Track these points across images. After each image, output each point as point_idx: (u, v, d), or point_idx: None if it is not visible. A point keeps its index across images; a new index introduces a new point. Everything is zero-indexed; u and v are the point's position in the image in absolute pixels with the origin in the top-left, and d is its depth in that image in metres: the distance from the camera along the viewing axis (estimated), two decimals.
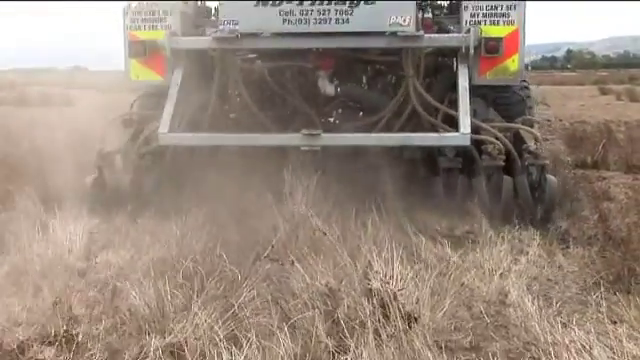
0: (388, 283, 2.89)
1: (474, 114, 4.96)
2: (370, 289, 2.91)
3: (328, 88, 5.40)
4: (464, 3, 5.04)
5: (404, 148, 5.07)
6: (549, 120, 13.03)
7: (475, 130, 4.83)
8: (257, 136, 5.06)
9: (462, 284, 3.37)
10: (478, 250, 3.87)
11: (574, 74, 57.95)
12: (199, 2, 5.74)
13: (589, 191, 5.42)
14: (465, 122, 4.71)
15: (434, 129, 5.02)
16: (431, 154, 5.07)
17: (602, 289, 3.17)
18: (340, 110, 5.59)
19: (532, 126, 5.31)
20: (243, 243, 3.94)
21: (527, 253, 3.90)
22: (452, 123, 4.89)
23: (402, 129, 5.09)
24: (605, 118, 12.16)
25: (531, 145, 4.86)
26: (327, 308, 2.87)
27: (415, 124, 5.10)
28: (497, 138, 4.85)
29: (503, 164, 4.81)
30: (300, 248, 3.76)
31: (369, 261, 3.24)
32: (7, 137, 6.96)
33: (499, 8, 4.98)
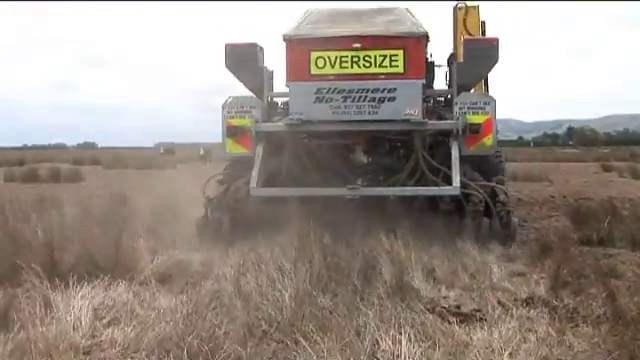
0: None
1: (464, 175, 6.98)
2: None
3: (362, 158, 7.70)
4: (455, 100, 7.22)
5: (414, 199, 7.18)
6: (553, 197, 13.05)
7: (464, 186, 6.87)
8: (316, 189, 7.02)
9: None
10: (486, 328, 3.82)
11: (576, 151, 58.59)
12: (270, 99, 7.85)
13: (596, 268, 5.37)
14: (456, 179, 6.80)
15: (435, 185, 7.04)
16: (434, 202, 7.08)
17: None
18: (370, 173, 7.71)
19: (503, 182, 7.37)
20: (249, 320, 3.91)
21: (536, 331, 3.83)
22: (448, 181, 6.90)
23: (414, 185, 7.15)
24: (609, 195, 12.16)
25: (502, 197, 6.97)
26: None
27: (422, 182, 7.13)
28: (479, 192, 6.91)
29: (483, 210, 6.89)
30: (306, 325, 3.72)
31: (376, 339, 3.20)
32: (16, 212, 7.01)
33: (478, 103, 7.15)
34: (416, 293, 4.58)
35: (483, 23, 9.54)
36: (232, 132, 7.29)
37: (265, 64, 7.75)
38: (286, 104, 7.63)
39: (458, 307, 4.38)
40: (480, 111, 7.09)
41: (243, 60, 7.54)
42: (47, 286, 4.40)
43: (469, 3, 9.25)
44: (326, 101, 7.03)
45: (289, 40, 7.22)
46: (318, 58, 7.07)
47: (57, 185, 16.65)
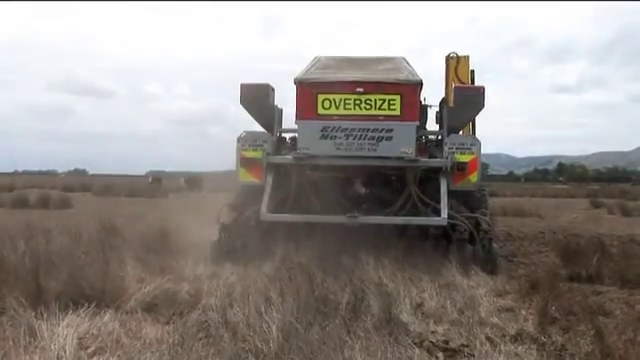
0: None
1: (451, 207, 7.73)
2: None
3: (360, 190, 8.66)
4: (445, 140, 8.06)
5: (407, 227, 7.80)
6: (542, 232, 13.07)
7: (451, 217, 7.64)
8: (319, 216, 7.69)
9: None
10: None
11: (566, 187, 58.95)
12: (279, 134, 8.57)
13: (585, 305, 5.36)
14: (444, 211, 7.62)
15: (425, 215, 7.82)
16: (424, 231, 7.82)
17: None
18: (367, 203, 8.31)
19: (486, 214, 7.96)
20: (235, 351, 3.87)
21: None
22: (437, 212, 7.70)
23: (406, 215, 7.84)
24: (598, 231, 12.21)
25: (484, 227, 7.67)
26: None
27: (413, 213, 7.87)
28: (464, 223, 7.63)
29: (467, 238, 7.62)
30: (292, 358, 3.69)
31: None
32: (4, 239, 6.94)
33: (465, 144, 8.05)
34: (404, 327, 4.56)
35: (472, 72, 10.37)
36: (245, 163, 8.10)
37: (276, 103, 8.53)
38: (293, 139, 8.47)
39: (446, 342, 4.36)
40: (467, 151, 7.98)
41: (256, 98, 8.32)
42: (32, 314, 4.32)
43: (460, 53, 10.22)
44: (330, 138, 7.84)
45: (299, 83, 7.99)
46: (324, 100, 7.87)
47: (46, 212, 16.55)
